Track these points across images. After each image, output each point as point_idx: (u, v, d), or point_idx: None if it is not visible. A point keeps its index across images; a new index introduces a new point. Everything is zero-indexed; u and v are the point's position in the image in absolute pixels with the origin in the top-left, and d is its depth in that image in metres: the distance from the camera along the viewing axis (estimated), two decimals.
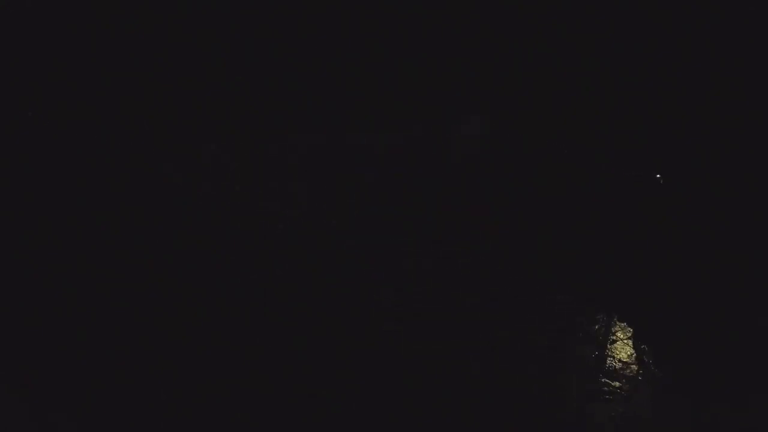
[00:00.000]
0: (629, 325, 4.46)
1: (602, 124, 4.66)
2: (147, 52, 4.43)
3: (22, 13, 4.23)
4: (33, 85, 4.38)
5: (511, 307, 4.53)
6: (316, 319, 4.57)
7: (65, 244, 4.33)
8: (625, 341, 4.42)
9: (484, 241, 4.85)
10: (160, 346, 4.22)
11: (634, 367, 4.26)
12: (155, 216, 4.51)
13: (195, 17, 4.40)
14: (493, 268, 4.74)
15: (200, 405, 4.10)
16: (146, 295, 4.36)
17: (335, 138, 4.74)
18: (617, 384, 4.14)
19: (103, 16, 4.31)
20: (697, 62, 4.31)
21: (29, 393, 3.85)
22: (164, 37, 4.43)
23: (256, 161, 4.72)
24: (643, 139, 4.59)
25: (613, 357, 4.34)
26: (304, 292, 4.59)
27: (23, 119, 4.35)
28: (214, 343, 4.29)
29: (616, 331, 4.49)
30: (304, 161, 4.77)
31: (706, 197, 4.41)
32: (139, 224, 4.44)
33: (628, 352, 4.35)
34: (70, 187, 4.42)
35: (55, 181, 4.39)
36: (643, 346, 4.32)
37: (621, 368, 4.27)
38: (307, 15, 4.52)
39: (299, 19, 4.53)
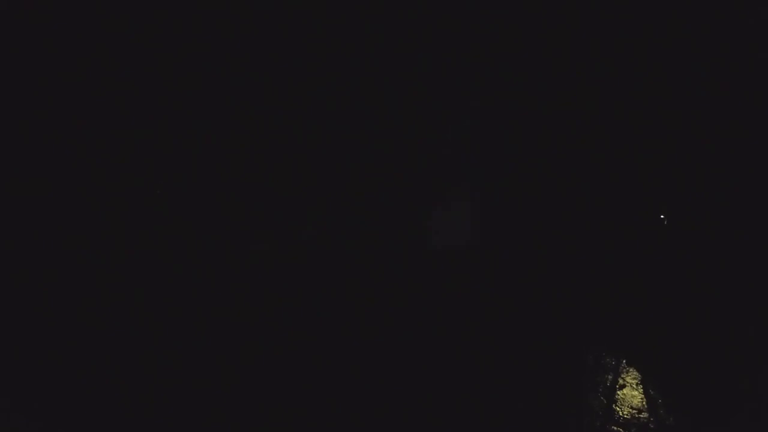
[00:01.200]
0: (638, 370, 4.32)
1: (617, 162, 4.62)
2: (147, 53, 4.42)
3: (22, 13, 4.22)
4: (33, 85, 4.37)
5: (518, 349, 4.45)
6: (315, 319, 4.57)
7: (63, 248, 4.33)
8: (635, 387, 4.29)
9: (488, 282, 4.77)
10: (154, 349, 4.22)
11: (644, 414, 4.14)
12: (152, 217, 4.50)
13: (195, 18, 4.38)
14: (498, 311, 4.66)
15: (197, 405, 4.09)
16: (143, 299, 4.36)
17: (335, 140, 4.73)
18: (628, 431, 4.02)
19: (105, 17, 4.30)
20: (696, 64, 4.29)
21: (26, 395, 3.84)
22: (165, 37, 4.42)
23: (254, 161, 4.71)
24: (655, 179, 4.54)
25: (623, 403, 4.21)
26: (301, 293, 4.59)
27: (23, 120, 4.33)
28: (209, 346, 4.29)
29: (625, 376, 4.37)
30: (304, 162, 4.75)
31: (716, 232, 4.34)
32: (134, 227, 4.44)
33: (638, 398, 4.21)
34: (68, 188, 4.41)
35: (51, 183, 4.38)
36: (652, 392, 4.19)
37: (630, 415, 4.14)
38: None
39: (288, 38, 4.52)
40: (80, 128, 4.44)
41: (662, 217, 4.47)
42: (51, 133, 4.39)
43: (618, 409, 4.21)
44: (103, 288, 4.32)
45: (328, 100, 4.66)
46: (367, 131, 4.73)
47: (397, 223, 4.80)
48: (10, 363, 4.05)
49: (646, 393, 4.30)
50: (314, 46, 4.56)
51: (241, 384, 4.24)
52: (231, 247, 4.60)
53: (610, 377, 4.41)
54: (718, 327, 4.17)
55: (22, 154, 4.34)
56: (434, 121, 4.78)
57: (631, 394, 4.34)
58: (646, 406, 4.23)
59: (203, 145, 4.60)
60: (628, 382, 4.43)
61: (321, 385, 4.35)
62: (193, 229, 4.57)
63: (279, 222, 4.69)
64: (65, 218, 4.39)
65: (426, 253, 4.80)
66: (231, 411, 4.16)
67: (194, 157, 4.59)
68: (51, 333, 4.19)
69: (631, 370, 4.46)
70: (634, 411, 4.20)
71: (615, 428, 4.07)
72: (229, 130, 4.62)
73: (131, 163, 4.51)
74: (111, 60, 4.40)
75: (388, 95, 4.68)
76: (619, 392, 4.34)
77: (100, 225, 4.43)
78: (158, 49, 4.45)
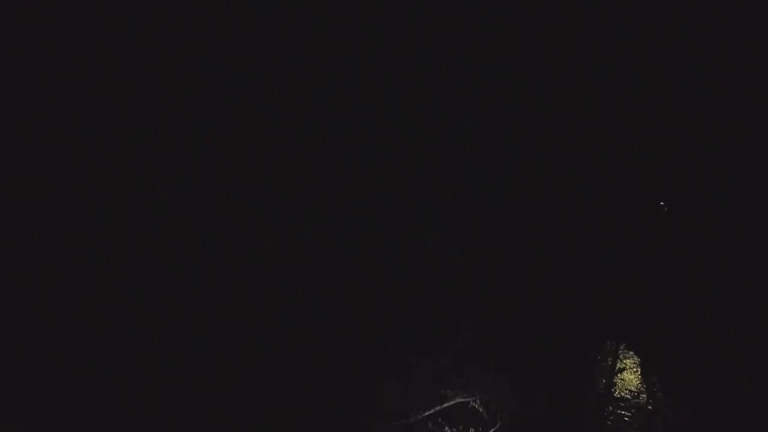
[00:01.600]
0: (637, 354, 4.37)
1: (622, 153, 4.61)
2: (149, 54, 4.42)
3: (22, 13, 4.22)
4: (33, 85, 4.37)
5: (518, 335, 4.47)
6: (315, 319, 4.57)
7: (64, 248, 4.33)
8: (634, 370, 4.35)
9: (488, 267, 4.75)
10: (154, 349, 4.21)
11: (643, 396, 4.21)
12: (152, 217, 4.50)
13: (195, 18, 4.38)
14: (499, 296, 4.64)
15: (197, 405, 4.10)
16: (143, 299, 4.35)
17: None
18: (626, 413, 4.11)
19: (105, 17, 4.30)
20: (696, 64, 4.30)
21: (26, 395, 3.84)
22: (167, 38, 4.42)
23: (254, 161, 4.71)
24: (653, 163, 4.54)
25: (622, 386, 4.28)
26: (301, 293, 4.58)
27: (23, 120, 4.34)
28: (209, 346, 4.28)
29: (625, 359, 4.42)
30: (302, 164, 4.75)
31: (712, 219, 4.34)
32: (134, 227, 4.44)
33: (637, 382, 4.28)
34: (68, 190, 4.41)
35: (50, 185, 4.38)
36: (651, 376, 4.24)
37: (630, 397, 4.22)
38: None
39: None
40: (80, 128, 4.44)
41: (662, 203, 4.46)
42: (51, 133, 4.39)
43: (617, 391, 4.32)
44: (103, 288, 4.32)
45: (328, 100, 4.66)
46: (367, 131, 4.73)
47: (397, 222, 4.80)
48: (10, 363, 4.04)
49: (644, 377, 4.39)
50: (314, 46, 4.56)
51: (241, 384, 4.23)
52: (231, 247, 4.59)
53: (610, 361, 4.48)
54: (718, 327, 4.17)
55: (22, 154, 4.34)
56: (434, 121, 4.78)
57: (630, 378, 4.45)
58: (644, 389, 4.33)
59: (203, 145, 4.60)
60: (627, 366, 4.52)
61: (321, 385, 4.34)
62: (193, 229, 4.57)
63: (279, 222, 4.69)
64: (65, 218, 4.39)
65: (426, 253, 4.80)
66: (231, 411, 4.15)
67: (194, 157, 4.59)
68: (51, 333, 4.18)
69: (630, 354, 4.53)
70: (632, 393, 4.30)
71: (614, 409, 4.17)
72: (229, 130, 4.61)
73: (131, 163, 4.51)
74: (111, 60, 4.40)
75: (388, 95, 4.67)
76: (618, 375, 4.43)
77: (100, 225, 4.43)
78: (158, 49, 4.45)
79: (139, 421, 4.01)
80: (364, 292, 4.66)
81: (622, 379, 4.38)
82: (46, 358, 4.08)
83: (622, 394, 4.30)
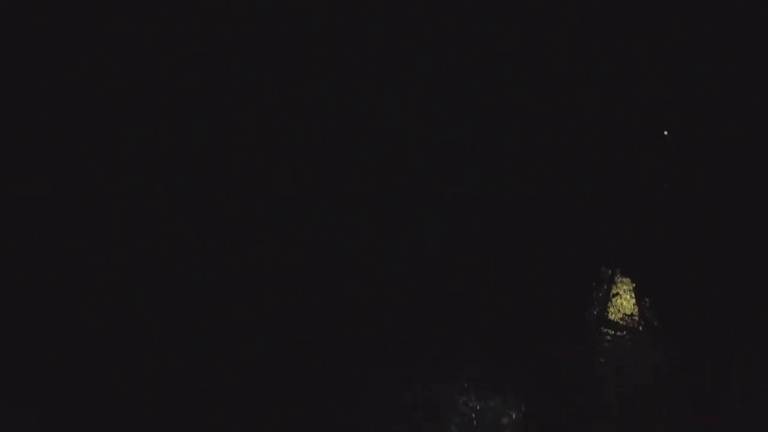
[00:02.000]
0: (632, 280, 4.55)
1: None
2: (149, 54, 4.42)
3: (22, 13, 4.22)
4: (33, 85, 4.37)
5: (518, 335, 4.54)
6: (315, 319, 4.57)
7: (64, 248, 4.33)
8: (628, 292, 4.54)
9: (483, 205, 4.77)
10: (154, 349, 4.22)
11: (635, 318, 4.43)
12: (152, 217, 4.50)
13: (195, 18, 4.39)
14: (499, 296, 4.69)
15: (197, 405, 4.10)
16: (143, 299, 4.36)
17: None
18: (619, 333, 4.34)
19: (105, 17, 4.30)
20: (696, 64, 4.30)
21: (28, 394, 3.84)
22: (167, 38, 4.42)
23: (254, 161, 4.71)
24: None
25: (616, 309, 4.45)
26: (301, 293, 4.58)
27: (23, 120, 4.34)
28: (210, 346, 4.29)
29: (620, 283, 4.58)
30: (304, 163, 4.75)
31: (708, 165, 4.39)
32: (134, 227, 4.44)
33: (630, 305, 4.46)
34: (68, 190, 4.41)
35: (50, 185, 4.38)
36: (644, 300, 4.41)
37: (622, 319, 4.44)
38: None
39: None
40: (80, 128, 4.44)
41: (665, 132, 4.48)
42: (51, 133, 4.39)
43: (610, 313, 4.53)
44: (103, 288, 4.32)
45: (328, 100, 4.67)
46: (367, 131, 4.73)
47: (397, 222, 4.81)
48: (10, 363, 4.05)
49: (637, 301, 4.61)
50: (314, 46, 4.56)
51: (241, 384, 4.24)
52: (231, 247, 4.60)
53: (605, 285, 4.66)
54: (717, 326, 4.19)
55: (22, 154, 4.34)
56: (434, 121, 4.78)
57: (624, 305, 4.66)
58: (636, 312, 4.56)
59: (203, 145, 4.60)
60: (622, 290, 4.71)
61: (321, 385, 4.35)
62: (193, 229, 4.57)
63: (279, 222, 4.69)
64: (65, 218, 4.39)
65: (426, 253, 4.80)
66: (231, 411, 4.15)
67: (194, 157, 4.59)
68: (51, 333, 4.19)
69: (625, 279, 4.71)
70: (625, 316, 4.53)
71: (607, 330, 4.38)
72: (229, 130, 4.62)
73: (131, 163, 4.51)
74: (111, 60, 4.40)
75: (388, 95, 4.68)
76: (612, 299, 4.64)
77: (100, 225, 4.43)
78: (158, 49, 4.45)
79: (139, 421, 4.02)
80: (364, 292, 4.66)
81: (616, 303, 4.59)
82: (46, 358, 4.08)
83: (616, 317, 4.53)
